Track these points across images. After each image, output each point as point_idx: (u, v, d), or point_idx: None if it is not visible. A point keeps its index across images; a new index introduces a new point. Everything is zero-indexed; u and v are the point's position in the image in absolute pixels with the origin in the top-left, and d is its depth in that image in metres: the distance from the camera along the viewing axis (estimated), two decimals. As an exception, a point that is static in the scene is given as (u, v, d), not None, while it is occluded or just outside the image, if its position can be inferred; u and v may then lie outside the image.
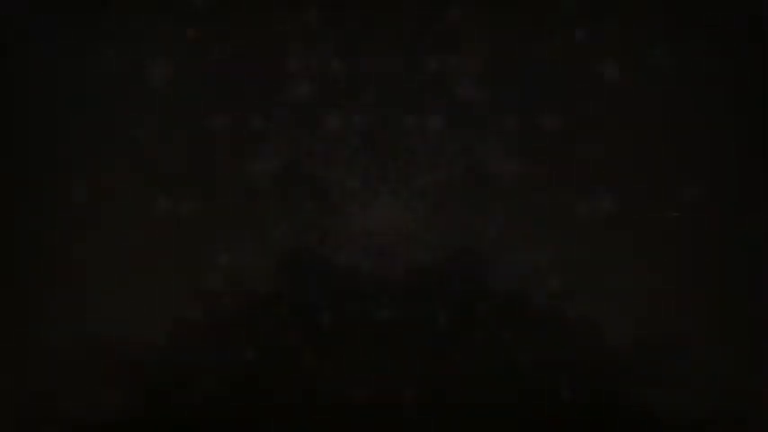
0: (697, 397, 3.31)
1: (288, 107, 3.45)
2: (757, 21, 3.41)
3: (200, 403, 3.33)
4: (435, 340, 3.36)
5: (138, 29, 3.44)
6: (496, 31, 3.43)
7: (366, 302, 3.37)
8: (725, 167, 3.41)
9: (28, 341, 3.35)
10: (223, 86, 3.44)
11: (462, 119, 3.43)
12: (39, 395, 3.32)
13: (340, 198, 3.43)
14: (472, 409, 3.32)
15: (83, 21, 3.44)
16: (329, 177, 3.44)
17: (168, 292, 3.37)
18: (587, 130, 3.42)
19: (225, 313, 3.38)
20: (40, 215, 3.40)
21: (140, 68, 3.44)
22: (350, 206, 3.42)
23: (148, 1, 3.44)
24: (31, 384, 3.32)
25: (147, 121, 3.44)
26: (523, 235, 3.40)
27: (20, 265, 3.38)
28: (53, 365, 3.33)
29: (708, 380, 3.31)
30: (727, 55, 3.41)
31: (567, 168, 3.42)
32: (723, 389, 3.30)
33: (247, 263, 3.40)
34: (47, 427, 3.30)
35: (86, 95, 3.43)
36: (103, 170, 3.42)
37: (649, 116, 3.42)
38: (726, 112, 3.42)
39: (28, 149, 3.42)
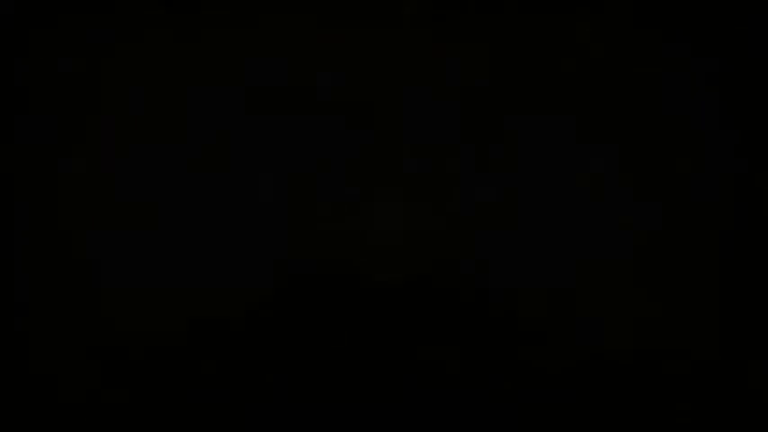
0: (696, 397, 3.32)
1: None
2: None
3: (201, 403, 3.33)
4: (434, 343, 3.37)
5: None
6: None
7: (366, 303, 3.38)
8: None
9: (28, 340, 3.34)
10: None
11: None
12: (39, 394, 3.31)
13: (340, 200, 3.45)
14: (472, 409, 3.32)
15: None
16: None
17: (169, 292, 3.37)
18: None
19: (226, 314, 3.38)
20: (40, 215, 3.40)
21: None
22: (350, 207, 3.44)
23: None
24: (31, 383, 3.32)
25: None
26: (522, 239, 3.42)
27: (20, 263, 3.38)
28: (54, 365, 3.32)
29: (707, 380, 3.32)
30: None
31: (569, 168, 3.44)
32: (722, 388, 3.31)
33: (248, 264, 3.40)
34: (47, 426, 3.29)
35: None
36: (103, 171, 3.43)
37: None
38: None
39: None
